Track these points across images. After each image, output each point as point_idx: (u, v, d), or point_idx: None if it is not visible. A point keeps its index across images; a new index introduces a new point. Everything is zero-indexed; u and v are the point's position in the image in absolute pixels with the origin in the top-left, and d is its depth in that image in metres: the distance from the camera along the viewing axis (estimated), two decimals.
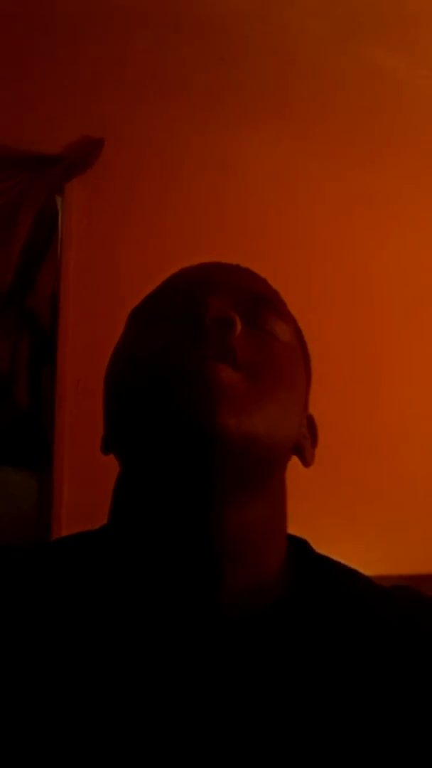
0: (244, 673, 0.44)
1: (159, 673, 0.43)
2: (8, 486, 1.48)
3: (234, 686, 0.43)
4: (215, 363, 0.44)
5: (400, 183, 1.80)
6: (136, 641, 0.44)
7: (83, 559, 0.50)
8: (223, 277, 0.53)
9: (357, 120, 1.79)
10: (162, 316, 0.50)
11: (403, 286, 1.77)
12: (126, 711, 0.42)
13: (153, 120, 1.60)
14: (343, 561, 0.54)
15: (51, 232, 1.54)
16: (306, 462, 0.54)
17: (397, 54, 1.79)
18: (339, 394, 1.57)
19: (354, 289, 1.71)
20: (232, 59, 1.70)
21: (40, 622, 0.45)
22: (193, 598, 0.45)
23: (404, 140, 1.83)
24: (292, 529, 0.54)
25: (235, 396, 0.44)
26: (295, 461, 0.53)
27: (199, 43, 1.67)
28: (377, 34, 1.76)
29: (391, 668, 0.46)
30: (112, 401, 0.51)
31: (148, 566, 0.47)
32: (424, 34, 1.77)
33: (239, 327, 0.47)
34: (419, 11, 1.70)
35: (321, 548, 0.55)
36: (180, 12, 1.64)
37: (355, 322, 1.70)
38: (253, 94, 1.70)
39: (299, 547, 0.53)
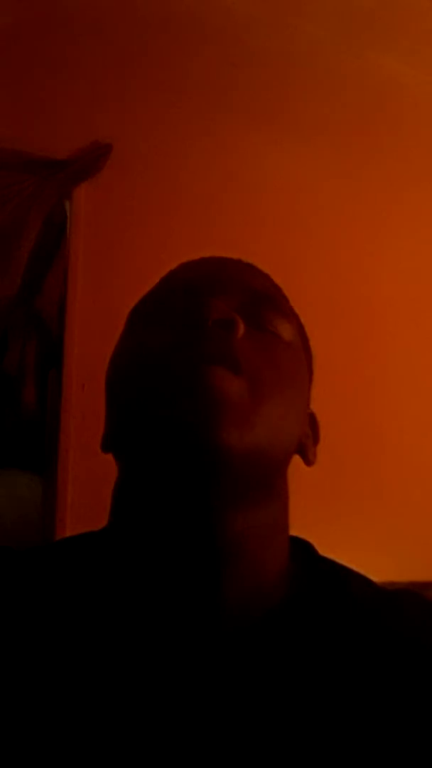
0: (245, 677, 0.43)
1: (160, 677, 0.43)
2: (13, 488, 1.48)
3: (235, 690, 0.43)
4: (217, 372, 0.43)
5: (404, 186, 1.80)
6: (137, 644, 0.44)
7: (83, 561, 0.50)
8: (225, 274, 0.52)
9: (363, 124, 1.79)
10: (163, 317, 0.49)
11: (405, 287, 1.77)
12: (126, 713, 0.42)
13: (161, 125, 1.61)
14: (348, 565, 0.54)
15: (59, 236, 1.55)
16: (308, 461, 0.53)
17: (403, 59, 1.79)
18: (345, 397, 1.57)
19: (356, 290, 1.71)
20: (241, 64, 1.70)
21: (39, 624, 0.45)
22: (194, 602, 0.45)
23: (409, 144, 1.83)
24: (299, 534, 0.54)
25: (237, 406, 0.43)
26: (297, 464, 0.53)
27: (208, 48, 1.67)
28: (384, 40, 1.76)
29: (394, 672, 0.46)
30: (112, 403, 0.51)
31: (149, 569, 0.46)
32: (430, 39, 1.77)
33: (242, 329, 0.46)
34: (426, 17, 1.70)
35: (328, 553, 0.55)
36: (189, 18, 1.65)
37: (357, 325, 1.69)
38: (262, 100, 1.71)
39: (302, 549, 0.53)
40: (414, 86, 1.83)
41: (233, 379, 0.44)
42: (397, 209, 1.80)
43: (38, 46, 1.54)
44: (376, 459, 1.65)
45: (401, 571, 1.38)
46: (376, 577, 0.54)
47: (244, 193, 1.66)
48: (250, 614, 0.45)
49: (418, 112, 1.85)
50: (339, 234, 1.72)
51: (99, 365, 0.53)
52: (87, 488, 1.36)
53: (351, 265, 1.71)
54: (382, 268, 1.75)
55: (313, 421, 0.56)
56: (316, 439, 0.55)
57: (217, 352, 0.44)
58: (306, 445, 0.53)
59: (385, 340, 1.73)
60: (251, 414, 0.44)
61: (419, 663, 0.46)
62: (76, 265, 1.52)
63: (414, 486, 1.67)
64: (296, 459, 0.52)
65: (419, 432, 1.72)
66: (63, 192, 1.51)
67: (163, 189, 1.59)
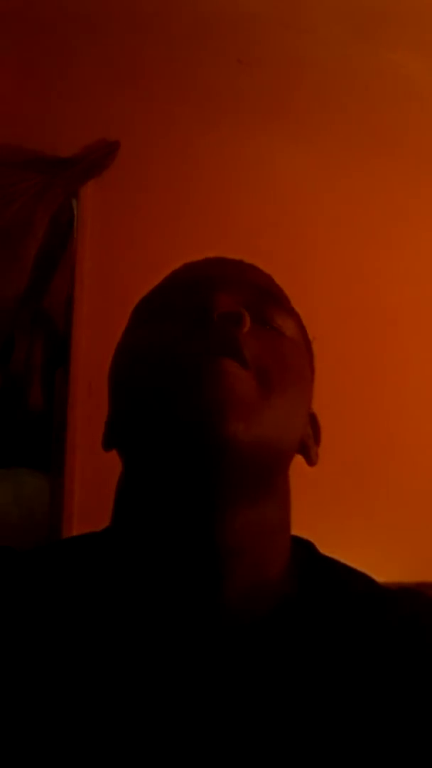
0: (246, 675, 0.43)
1: (162, 675, 0.43)
2: (20, 487, 1.49)
3: (236, 688, 0.43)
4: (224, 364, 0.43)
5: (414, 185, 1.79)
6: (139, 643, 0.44)
7: (86, 561, 0.50)
8: (229, 272, 0.53)
9: (373, 122, 1.78)
10: (168, 312, 0.49)
11: (413, 287, 1.76)
12: (128, 712, 0.42)
13: (169, 123, 1.61)
14: (351, 565, 0.54)
15: (66, 235, 1.55)
16: (311, 461, 0.53)
17: (413, 57, 1.78)
18: (349, 397, 1.56)
19: (363, 290, 1.70)
20: (248, 61, 1.70)
21: (41, 624, 0.45)
22: (196, 600, 0.45)
23: (420, 143, 1.82)
24: (302, 533, 0.54)
25: (243, 398, 0.43)
26: (299, 464, 0.53)
27: (216, 45, 1.67)
28: (395, 37, 1.75)
29: (394, 671, 0.45)
30: (116, 399, 0.51)
31: (151, 568, 0.46)
32: None
33: (248, 323, 0.46)
34: None
35: (330, 553, 0.55)
36: (196, 14, 1.65)
37: (361, 325, 1.68)
38: (270, 97, 1.70)
39: (304, 548, 0.53)
40: (425, 84, 1.82)
41: (241, 373, 0.44)
42: (407, 208, 1.78)
43: (44, 44, 1.54)
44: (379, 458, 1.64)
45: (405, 571, 1.38)
46: (380, 578, 0.53)
47: (252, 191, 1.65)
48: (251, 613, 0.45)
49: (429, 110, 1.84)
50: (347, 233, 1.72)
51: (106, 364, 0.54)
52: (94, 487, 1.36)
53: (359, 265, 1.70)
54: (390, 267, 1.74)
55: (314, 421, 0.55)
56: (317, 439, 0.55)
57: (224, 345, 0.44)
58: (308, 445, 0.53)
59: (390, 339, 1.72)
60: (258, 407, 0.44)
61: (421, 662, 0.46)
62: (83, 263, 1.52)
63: (418, 486, 1.66)
64: (298, 459, 0.52)
65: (423, 431, 1.71)
66: (70, 190, 1.51)
67: (170, 187, 1.59)
